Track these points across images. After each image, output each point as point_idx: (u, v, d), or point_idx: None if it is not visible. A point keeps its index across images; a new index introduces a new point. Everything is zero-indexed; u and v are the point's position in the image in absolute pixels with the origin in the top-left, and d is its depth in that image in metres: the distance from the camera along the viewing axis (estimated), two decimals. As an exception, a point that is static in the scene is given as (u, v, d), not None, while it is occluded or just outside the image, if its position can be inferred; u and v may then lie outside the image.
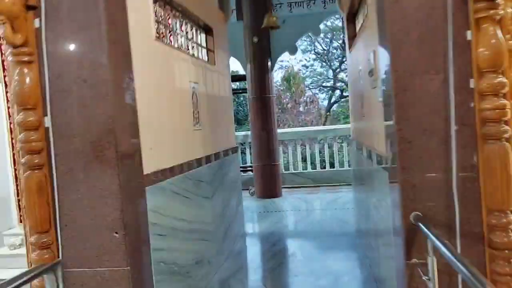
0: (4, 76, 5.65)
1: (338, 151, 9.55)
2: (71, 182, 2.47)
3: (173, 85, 3.65)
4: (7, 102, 5.68)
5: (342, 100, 18.91)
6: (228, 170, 4.96)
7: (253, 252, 5.05)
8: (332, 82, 20.16)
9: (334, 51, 19.38)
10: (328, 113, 18.97)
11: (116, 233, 2.44)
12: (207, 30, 4.91)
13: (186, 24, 4.26)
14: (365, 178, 4.14)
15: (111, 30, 2.42)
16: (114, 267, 2.45)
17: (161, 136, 3.25)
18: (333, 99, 20.03)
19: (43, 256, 2.45)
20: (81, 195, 2.46)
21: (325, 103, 19.97)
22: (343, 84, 18.53)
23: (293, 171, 9.25)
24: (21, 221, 5.79)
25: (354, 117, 5.14)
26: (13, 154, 5.71)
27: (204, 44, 4.83)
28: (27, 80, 2.40)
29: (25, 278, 2.08)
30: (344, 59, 17.43)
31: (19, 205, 5.75)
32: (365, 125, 4.03)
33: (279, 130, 8.78)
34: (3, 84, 5.65)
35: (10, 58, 2.43)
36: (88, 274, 2.48)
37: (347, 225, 5.56)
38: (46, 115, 2.46)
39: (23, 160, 2.44)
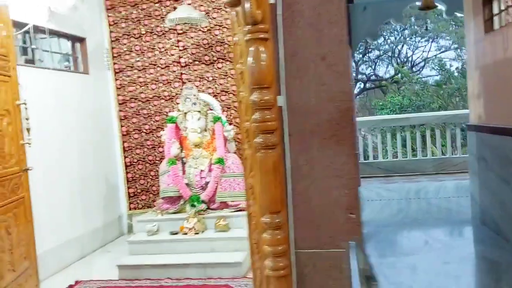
0: (114, 64, 5.68)
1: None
2: (304, 162, 2.43)
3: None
4: (117, 90, 5.71)
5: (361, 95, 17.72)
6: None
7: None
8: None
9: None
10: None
11: (352, 213, 2.39)
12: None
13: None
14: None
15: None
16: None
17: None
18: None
19: (275, 237, 2.41)
20: (314, 174, 2.41)
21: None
22: (363, 76, 17.68)
23: (363, 161, 9.14)
24: (130, 209, 5.84)
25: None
26: (123, 143, 5.74)
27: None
28: (263, 58, 2.35)
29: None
30: (368, 50, 16.53)
31: (128, 193, 5.80)
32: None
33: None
34: (113, 72, 5.67)
35: (246, 36, 2.38)
36: (320, 255, 2.44)
37: (461, 214, 5.45)
38: (279, 94, 2.42)
39: (258, 140, 2.40)
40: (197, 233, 4.29)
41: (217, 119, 4.76)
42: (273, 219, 2.44)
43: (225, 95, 5.44)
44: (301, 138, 2.45)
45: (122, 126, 5.74)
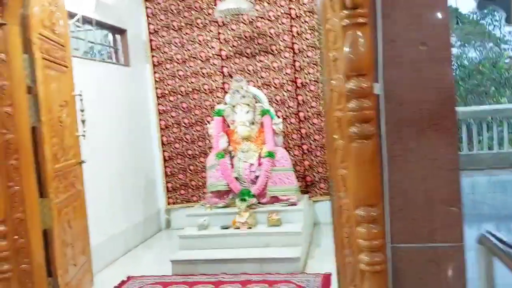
0: (152, 56, 5.58)
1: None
2: (401, 152, 2.33)
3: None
4: (156, 83, 5.62)
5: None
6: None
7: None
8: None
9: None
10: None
11: (453, 206, 2.29)
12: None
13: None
14: None
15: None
16: (448, 242, 2.30)
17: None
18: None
19: (371, 230, 2.32)
20: (412, 165, 2.31)
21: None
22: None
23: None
24: (169, 203, 5.75)
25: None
26: (162, 137, 5.66)
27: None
28: (361, 44, 2.26)
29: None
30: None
31: (167, 188, 5.72)
32: None
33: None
34: (152, 65, 5.58)
35: (343, 21, 2.28)
36: (417, 249, 2.34)
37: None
38: (376, 81, 2.32)
39: (353, 129, 2.31)
40: (250, 228, 4.20)
41: (265, 112, 4.66)
42: (369, 212, 2.35)
43: (267, 89, 5.33)
44: (398, 127, 2.35)
45: (160, 120, 5.65)
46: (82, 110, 3.65)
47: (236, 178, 4.51)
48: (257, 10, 5.25)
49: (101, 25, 4.75)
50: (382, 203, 2.38)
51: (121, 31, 5.23)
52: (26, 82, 2.78)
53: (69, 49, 3.63)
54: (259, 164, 4.53)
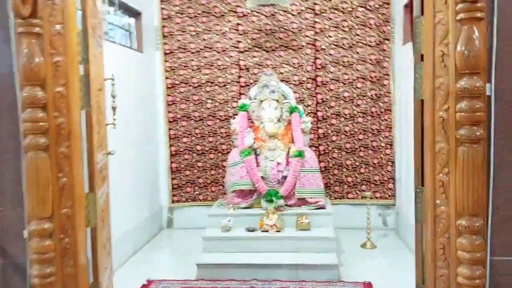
0: (164, 44, 5.22)
1: None
2: (510, 158, 2.19)
3: None
4: (166, 72, 5.26)
5: None
6: None
7: None
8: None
9: None
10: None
11: None
12: None
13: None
14: None
15: None
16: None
17: None
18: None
19: (474, 242, 2.16)
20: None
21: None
22: None
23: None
24: (173, 201, 5.41)
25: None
26: (169, 130, 5.31)
27: None
28: (478, 40, 2.09)
29: None
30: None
31: (172, 185, 5.37)
32: None
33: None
34: (163, 53, 5.23)
35: (459, 15, 2.11)
36: (521, 263, 2.21)
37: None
38: (489, 81, 2.17)
39: (462, 132, 2.14)
40: (279, 231, 3.97)
41: (294, 109, 4.45)
42: (473, 222, 2.18)
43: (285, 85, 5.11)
44: (508, 132, 2.21)
45: (169, 112, 5.30)
46: (113, 96, 3.29)
47: (262, 178, 4.26)
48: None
49: (120, 5, 4.35)
50: (486, 213, 2.23)
51: (137, 14, 4.85)
52: (78, 60, 2.42)
53: (102, 27, 3.26)
54: (287, 164, 4.30)
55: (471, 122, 2.13)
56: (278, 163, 4.29)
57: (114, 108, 3.30)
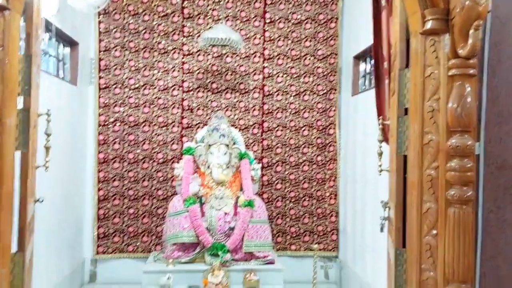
0: (99, 78, 4.77)
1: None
2: (496, 223, 2.10)
3: None
4: (100, 109, 4.79)
5: None
6: None
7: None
8: None
9: None
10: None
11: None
12: None
13: None
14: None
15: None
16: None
17: None
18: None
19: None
20: (506, 237, 2.10)
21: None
22: None
23: None
24: (97, 252, 4.79)
25: None
26: (99, 172, 4.77)
27: None
28: (469, 97, 2.03)
29: None
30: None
31: (98, 234, 4.79)
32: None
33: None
34: (97, 87, 4.78)
35: (451, 71, 2.04)
36: None
37: None
38: (477, 140, 2.09)
39: (452, 192, 2.03)
40: (226, 290, 3.60)
41: (244, 156, 4.19)
42: (459, 289, 2.04)
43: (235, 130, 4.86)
44: (494, 193, 2.13)
45: (100, 152, 4.79)
46: (48, 134, 2.81)
47: (207, 229, 3.90)
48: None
49: (56, 32, 3.89)
50: (473, 280, 2.09)
51: (73, 44, 4.39)
52: (18, 91, 1.98)
53: (40, 55, 2.82)
54: (235, 214, 3.99)
55: (462, 182, 2.02)
56: (226, 213, 3.97)
57: (47, 148, 2.82)
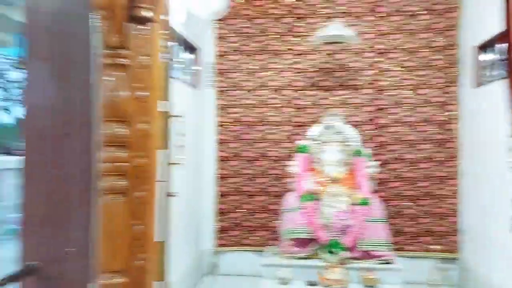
0: (218, 81, 5.06)
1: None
2: None
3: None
4: (219, 110, 5.07)
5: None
6: None
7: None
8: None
9: None
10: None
11: None
12: None
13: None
14: None
15: None
16: None
17: None
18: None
19: None
20: None
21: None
22: None
23: None
24: (219, 245, 5.08)
25: None
26: (219, 170, 5.06)
27: None
28: None
29: None
30: None
31: (218, 227, 5.08)
32: None
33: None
34: (216, 90, 5.06)
35: None
36: None
37: None
38: None
39: None
40: (344, 287, 3.61)
41: (359, 153, 4.17)
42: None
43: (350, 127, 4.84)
44: None
45: (219, 151, 5.09)
46: (182, 135, 3.09)
47: (323, 226, 3.95)
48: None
49: (182, 40, 4.22)
50: None
51: (194, 50, 4.72)
52: (160, 96, 2.22)
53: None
54: (350, 211, 3.99)
55: None
56: (341, 211, 3.98)
57: (181, 147, 3.10)
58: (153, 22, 2.09)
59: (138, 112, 2.08)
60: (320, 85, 4.97)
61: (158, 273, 2.22)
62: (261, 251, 4.69)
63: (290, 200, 4.13)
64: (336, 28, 4.09)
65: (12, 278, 2.15)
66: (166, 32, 2.36)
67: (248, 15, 5.05)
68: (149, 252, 2.12)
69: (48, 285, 2.15)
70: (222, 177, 5.08)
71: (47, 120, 2.22)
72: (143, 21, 2.04)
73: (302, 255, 3.97)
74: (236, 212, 5.06)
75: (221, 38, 5.07)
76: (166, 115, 2.25)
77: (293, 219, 4.01)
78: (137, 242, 2.09)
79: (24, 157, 2.38)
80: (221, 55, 5.08)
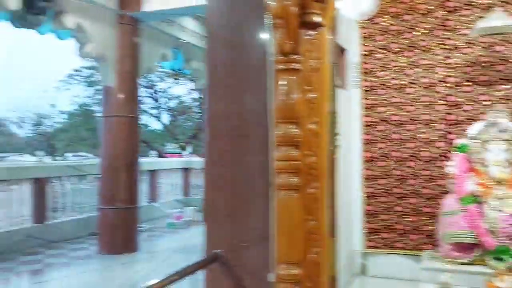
0: (364, 80, 5.04)
1: None
2: None
3: None
4: (365, 110, 5.05)
5: None
6: None
7: None
8: None
9: None
10: None
11: None
12: None
13: None
14: None
15: None
16: None
17: None
18: None
19: None
20: None
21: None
22: None
23: None
24: (368, 247, 5.05)
25: None
26: (365, 170, 5.02)
27: None
28: None
29: None
30: None
31: (367, 228, 5.03)
32: None
33: None
34: (362, 90, 5.04)
35: None
36: None
37: None
38: None
39: None
40: (516, 297, 3.31)
41: (528, 152, 3.80)
42: None
43: (504, 124, 4.44)
44: None
45: (366, 151, 5.04)
46: (339, 134, 3.16)
47: (488, 231, 3.67)
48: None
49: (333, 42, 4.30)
50: None
51: (342, 51, 4.78)
52: (327, 96, 2.32)
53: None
54: (521, 216, 3.64)
55: None
56: (509, 215, 3.65)
57: (337, 147, 3.17)
58: (322, 26, 2.19)
59: (308, 113, 2.20)
60: (476, 80, 4.63)
61: (329, 268, 2.30)
62: (414, 255, 4.53)
63: (449, 202, 3.92)
64: (499, 17, 3.77)
65: (200, 265, 2.43)
66: (333, 35, 2.45)
67: (394, 12, 4.93)
68: (322, 246, 2.23)
69: (231, 271, 2.38)
70: (369, 178, 5.03)
71: (227, 123, 2.47)
72: (314, 26, 2.16)
73: (465, 260, 3.74)
74: (385, 214, 4.95)
75: (366, 37, 5.04)
76: (333, 116, 2.33)
77: (454, 222, 3.80)
78: (312, 236, 2.21)
79: (205, 158, 2.68)
80: (366, 55, 5.04)
